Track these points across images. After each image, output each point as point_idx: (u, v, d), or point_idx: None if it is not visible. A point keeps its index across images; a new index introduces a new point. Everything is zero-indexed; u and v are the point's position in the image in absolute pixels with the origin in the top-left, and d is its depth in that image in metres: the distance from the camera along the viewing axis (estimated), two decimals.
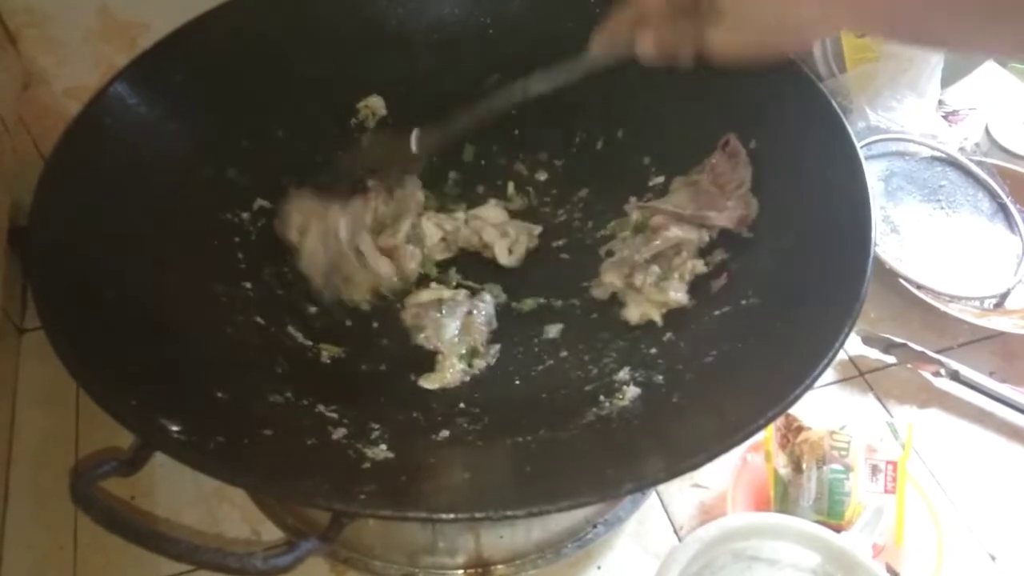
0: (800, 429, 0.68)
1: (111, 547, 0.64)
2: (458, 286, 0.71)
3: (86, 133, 0.60)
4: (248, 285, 0.66)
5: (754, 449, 0.70)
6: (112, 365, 0.49)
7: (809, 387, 0.48)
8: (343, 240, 0.67)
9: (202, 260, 0.64)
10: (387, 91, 0.77)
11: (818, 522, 0.61)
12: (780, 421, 0.68)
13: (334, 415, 0.56)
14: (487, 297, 0.69)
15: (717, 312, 0.62)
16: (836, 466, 0.65)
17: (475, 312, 0.68)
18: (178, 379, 0.53)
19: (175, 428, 0.46)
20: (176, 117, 0.65)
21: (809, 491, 0.65)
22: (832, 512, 0.65)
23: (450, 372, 0.64)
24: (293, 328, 0.65)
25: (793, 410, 0.68)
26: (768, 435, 0.68)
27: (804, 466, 0.66)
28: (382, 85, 0.76)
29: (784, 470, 0.67)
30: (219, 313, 0.62)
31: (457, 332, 0.66)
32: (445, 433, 0.57)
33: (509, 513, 0.43)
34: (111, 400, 0.45)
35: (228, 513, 0.67)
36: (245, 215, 0.69)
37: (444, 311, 0.67)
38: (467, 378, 0.65)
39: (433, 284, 0.71)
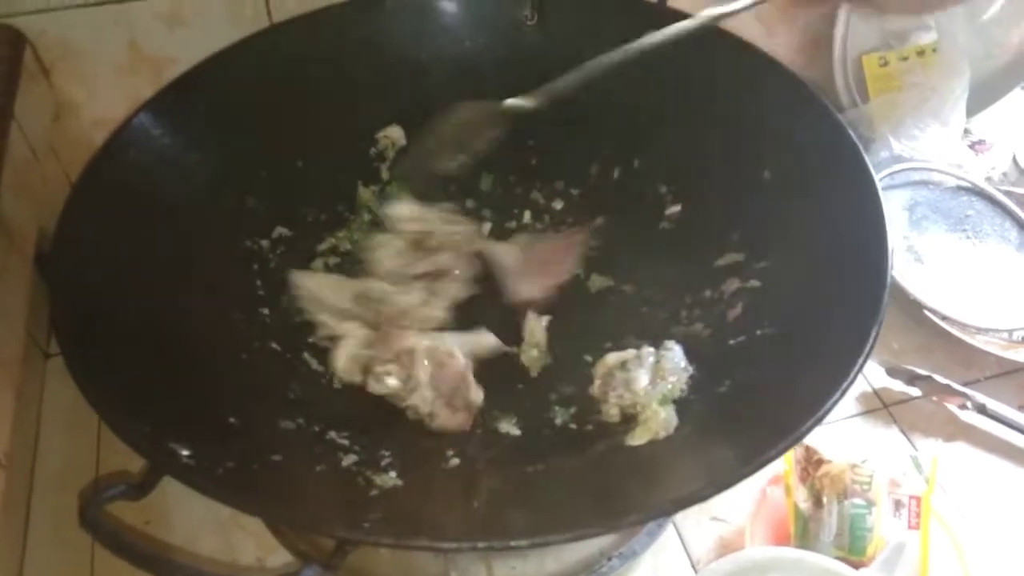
0: (820, 462, 0.66)
1: (127, 571, 0.64)
2: None
3: (110, 162, 0.62)
4: (265, 311, 0.67)
5: (774, 482, 0.68)
6: (127, 390, 0.50)
7: (821, 419, 0.48)
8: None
9: (221, 287, 0.65)
10: (407, 121, 0.77)
11: (839, 558, 0.60)
12: (800, 454, 0.67)
13: (345, 442, 0.57)
14: (671, 344, 0.64)
15: (732, 342, 0.61)
16: (858, 501, 0.64)
17: (663, 360, 0.64)
18: (192, 404, 0.54)
19: (185, 453, 0.47)
20: (198, 147, 0.67)
21: (830, 526, 0.63)
22: (854, 548, 0.63)
23: (654, 422, 0.58)
24: (308, 354, 0.66)
25: (817, 443, 0.67)
26: (788, 468, 0.66)
27: (824, 500, 0.64)
28: (402, 115, 0.77)
29: (804, 504, 0.65)
30: (236, 339, 0.63)
31: (648, 381, 0.62)
32: (455, 461, 0.57)
33: (512, 543, 0.42)
34: (121, 424, 0.46)
35: (242, 539, 0.67)
36: (264, 243, 0.70)
37: (630, 368, 0.64)
38: (675, 422, 0.59)
39: None
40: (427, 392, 0.61)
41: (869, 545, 0.63)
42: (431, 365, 0.62)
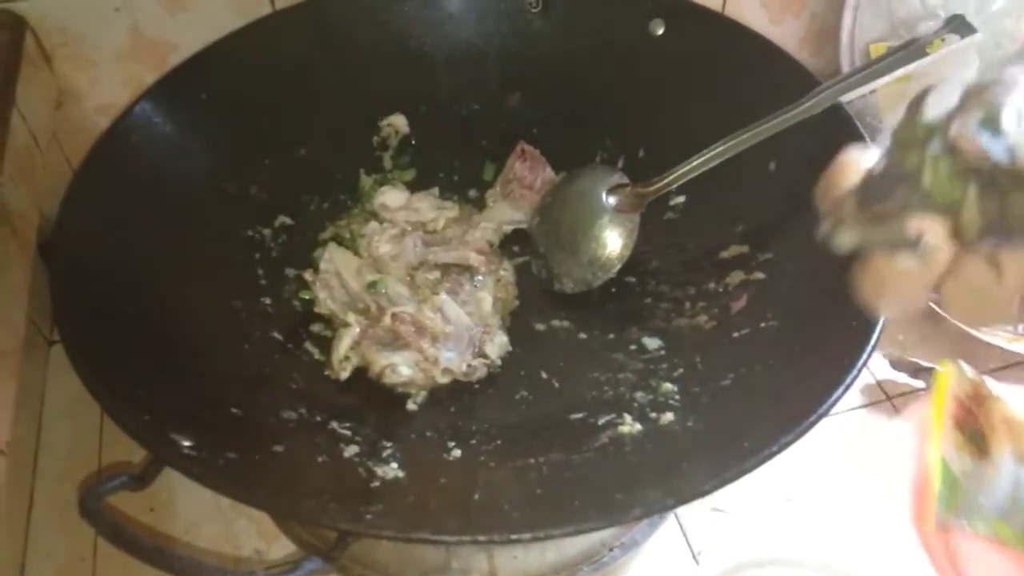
0: (992, 401, 0.48)
1: (129, 559, 0.64)
2: None
3: (112, 150, 0.62)
4: (267, 301, 0.67)
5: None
6: (128, 379, 0.50)
7: (826, 412, 0.47)
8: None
9: (222, 276, 0.65)
10: (410, 109, 0.77)
11: (1001, 535, 0.44)
12: (964, 388, 0.50)
13: (347, 432, 0.57)
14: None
15: (736, 334, 0.61)
16: None
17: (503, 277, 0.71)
18: (193, 394, 0.54)
19: (186, 443, 0.47)
20: (200, 135, 0.67)
21: (997, 489, 0.46)
22: None
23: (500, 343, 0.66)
24: (310, 344, 0.66)
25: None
26: (937, 403, 0.50)
27: (993, 452, 0.47)
28: (405, 103, 0.77)
29: (958, 456, 0.48)
30: (237, 329, 0.63)
31: (491, 303, 0.68)
32: (457, 453, 0.57)
33: (514, 537, 0.42)
34: (123, 413, 0.46)
35: (245, 528, 0.67)
36: (267, 231, 0.70)
37: (476, 283, 0.68)
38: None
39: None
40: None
41: None
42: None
